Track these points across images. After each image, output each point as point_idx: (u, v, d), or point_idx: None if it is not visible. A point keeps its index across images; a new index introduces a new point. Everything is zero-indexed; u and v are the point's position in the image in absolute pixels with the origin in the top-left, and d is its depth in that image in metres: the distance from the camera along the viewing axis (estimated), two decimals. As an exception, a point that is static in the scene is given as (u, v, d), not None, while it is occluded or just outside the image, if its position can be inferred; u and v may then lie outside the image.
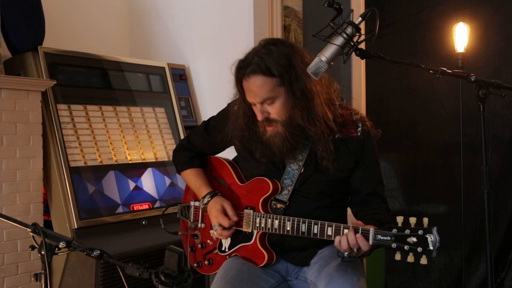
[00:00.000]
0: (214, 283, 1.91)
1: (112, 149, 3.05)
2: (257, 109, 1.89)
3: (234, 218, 1.98)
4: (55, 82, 2.83)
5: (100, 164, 2.96)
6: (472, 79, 1.78)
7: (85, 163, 2.89)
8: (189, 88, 3.64)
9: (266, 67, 1.81)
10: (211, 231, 2.06)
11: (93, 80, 3.13)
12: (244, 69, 1.86)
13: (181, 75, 3.61)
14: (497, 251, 3.79)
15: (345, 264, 1.81)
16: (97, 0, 3.74)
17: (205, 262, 2.12)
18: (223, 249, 2.06)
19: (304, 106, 1.85)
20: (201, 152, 2.23)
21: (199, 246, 2.13)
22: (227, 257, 2.04)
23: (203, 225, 2.14)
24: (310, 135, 1.89)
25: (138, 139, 3.20)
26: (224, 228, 1.99)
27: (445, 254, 4.05)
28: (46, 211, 2.84)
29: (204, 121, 2.24)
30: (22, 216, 2.63)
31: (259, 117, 1.88)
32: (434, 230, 1.61)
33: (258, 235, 1.96)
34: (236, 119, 1.99)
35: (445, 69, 1.82)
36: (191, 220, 2.17)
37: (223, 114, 2.13)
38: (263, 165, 1.99)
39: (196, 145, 2.23)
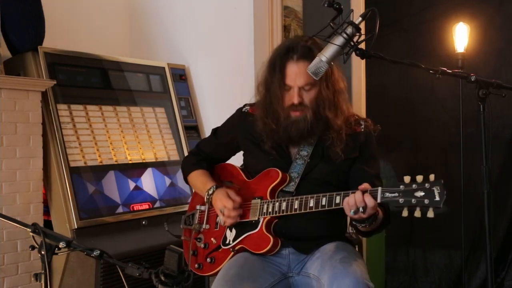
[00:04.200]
0: (215, 282, 1.91)
1: (112, 149, 3.05)
2: (293, 92, 1.98)
3: (237, 199, 2.02)
4: (55, 82, 2.83)
5: (100, 164, 2.96)
6: (472, 79, 1.79)
7: (85, 163, 2.89)
8: (189, 88, 3.64)
9: (314, 56, 1.90)
10: (218, 219, 2.09)
11: (93, 80, 3.13)
12: (293, 52, 1.97)
13: (181, 75, 3.61)
14: (497, 251, 3.79)
15: (348, 257, 1.85)
16: (97, 0, 3.74)
17: (207, 261, 2.11)
18: (227, 242, 2.07)
19: (332, 100, 2.00)
20: (209, 157, 2.29)
21: (202, 247, 2.14)
22: (231, 249, 2.05)
23: (207, 226, 2.16)
24: (330, 126, 2.00)
25: (138, 139, 3.20)
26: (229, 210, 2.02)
27: (445, 254, 4.05)
28: (46, 211, 2.84)
29: (213, 129, 2.32)
30: (22, 216, 2.63)
31: (296, 99, 1.97)
32: (441, 182, 1.64)
33: (264, 222, 1.98)
34: (269, 105, 2.04)
35: (445, 69, 1.82)
36: (195, 223, 2.19)
37: (231, 118, 2.24)
38: (271, 156, 2.06)
39: (205, 149, 2.31)
